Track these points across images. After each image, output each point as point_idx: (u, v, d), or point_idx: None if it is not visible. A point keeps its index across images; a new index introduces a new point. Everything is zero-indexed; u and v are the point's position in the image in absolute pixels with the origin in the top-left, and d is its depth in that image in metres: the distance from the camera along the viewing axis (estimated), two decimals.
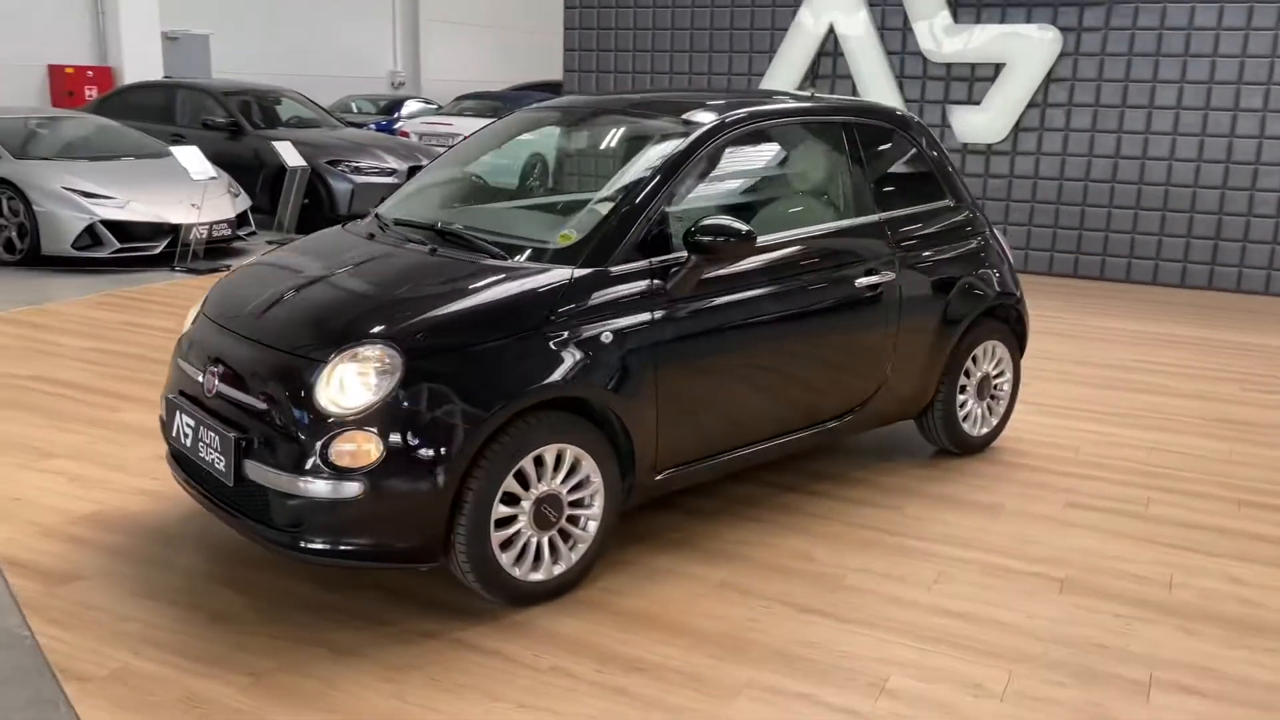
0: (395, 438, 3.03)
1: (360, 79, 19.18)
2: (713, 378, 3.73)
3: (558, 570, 3.40)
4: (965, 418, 4.82)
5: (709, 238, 3.53)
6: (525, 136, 4.58)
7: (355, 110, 17.52)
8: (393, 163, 11.53)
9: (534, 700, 2.86)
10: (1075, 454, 5.00)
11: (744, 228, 3.57)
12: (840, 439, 4.71)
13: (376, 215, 4.19)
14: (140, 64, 14.87)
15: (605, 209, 3.64)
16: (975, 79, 10.11)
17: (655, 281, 3.54)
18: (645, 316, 3.49)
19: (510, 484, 3.21)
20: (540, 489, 3.28)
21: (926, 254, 4.51)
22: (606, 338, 3.38)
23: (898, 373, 4.42)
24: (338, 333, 3.20)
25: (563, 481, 3.35)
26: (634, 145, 4.06)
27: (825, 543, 3.92)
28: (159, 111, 12.19)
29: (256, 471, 3.12)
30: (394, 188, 8.46)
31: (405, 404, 3.05)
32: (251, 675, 2.93)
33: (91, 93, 14.20)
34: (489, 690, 2.90)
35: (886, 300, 4.29)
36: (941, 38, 10.10)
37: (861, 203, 4.36)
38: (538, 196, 4.83)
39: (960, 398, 4.76)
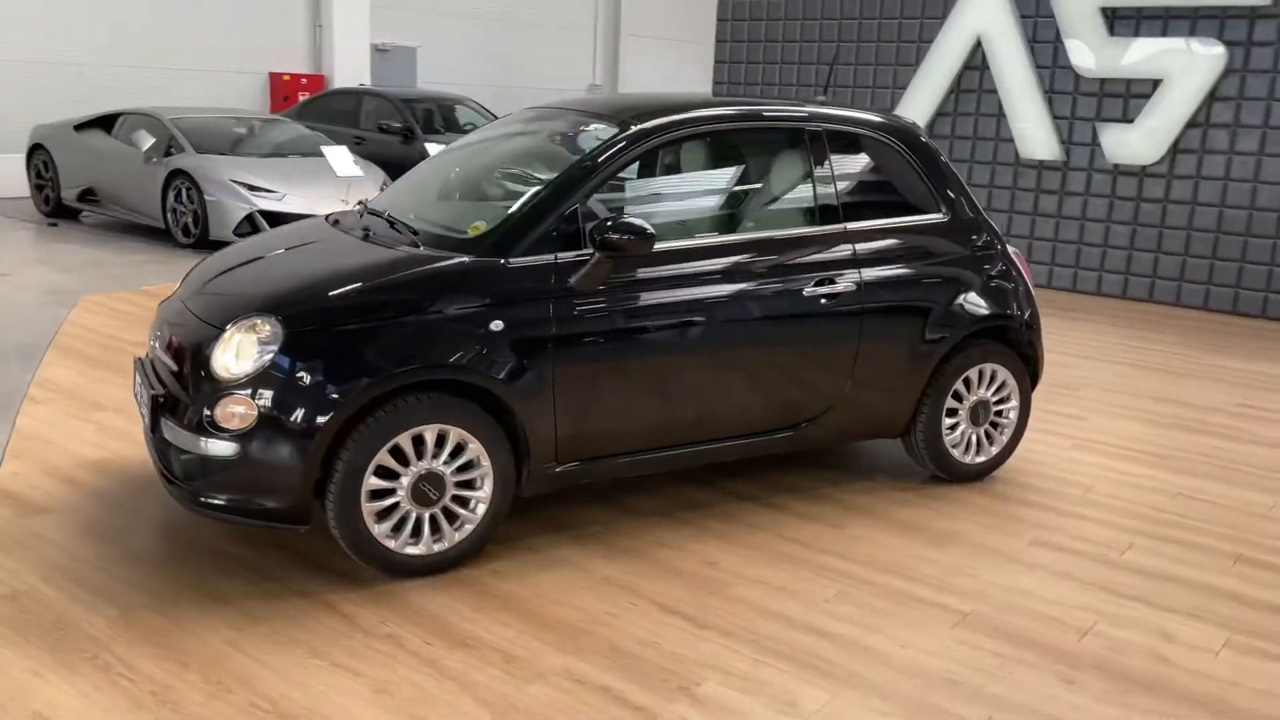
0: (267, 404, 3.28)
1: (559, 90, 20.00)
2: (622, 377, 3.77)
3: (438, 547, 3.55)
4: (956, 444, 4.59)
5: (611, 235, 3.58)
6: (513, 134, 4.74)
7: None
8: None
9: (349, 661, 3.03)
10: (1082, 492, 4.66)
11: (646, 227, 3.60)
12: (802, 450, 4.59)
13: (361, 203, 4.48)
14: (349, 73, 16.13)
15: (516, 203, 3.76)
16: (1130, 95, 9.45)
17: (559, 276, 3.63)
18: (543, 309, 3.58)
19: (385, 458, 3.39)
20: (420, 467, 3.44)
21: (900, 268, 4.35)
22: (496, 326, 3.50)
23: (862, 388, 4.29)
24: (239, 306, 3.49)
25: (446, 462, 3.49)
26: (574, 146, 4.16)
27: (740, 552, 3.88)
28: (347, 116, 13.24)
29: (166, 428, 3.45)
30: None
31: (280, 374, 3.29)
32: (121, 609, 3.25)
33: (303, 98, 15.53)
34: (315, 648, 3.09)
35: (844, 312, 4.18)
36: (1095, 52, 9.50)
37: (823, 212, 4.26)
38: (505, 191, 4.98)
39: (948, 421, 4.54)
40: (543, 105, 4.70)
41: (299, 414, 3.27)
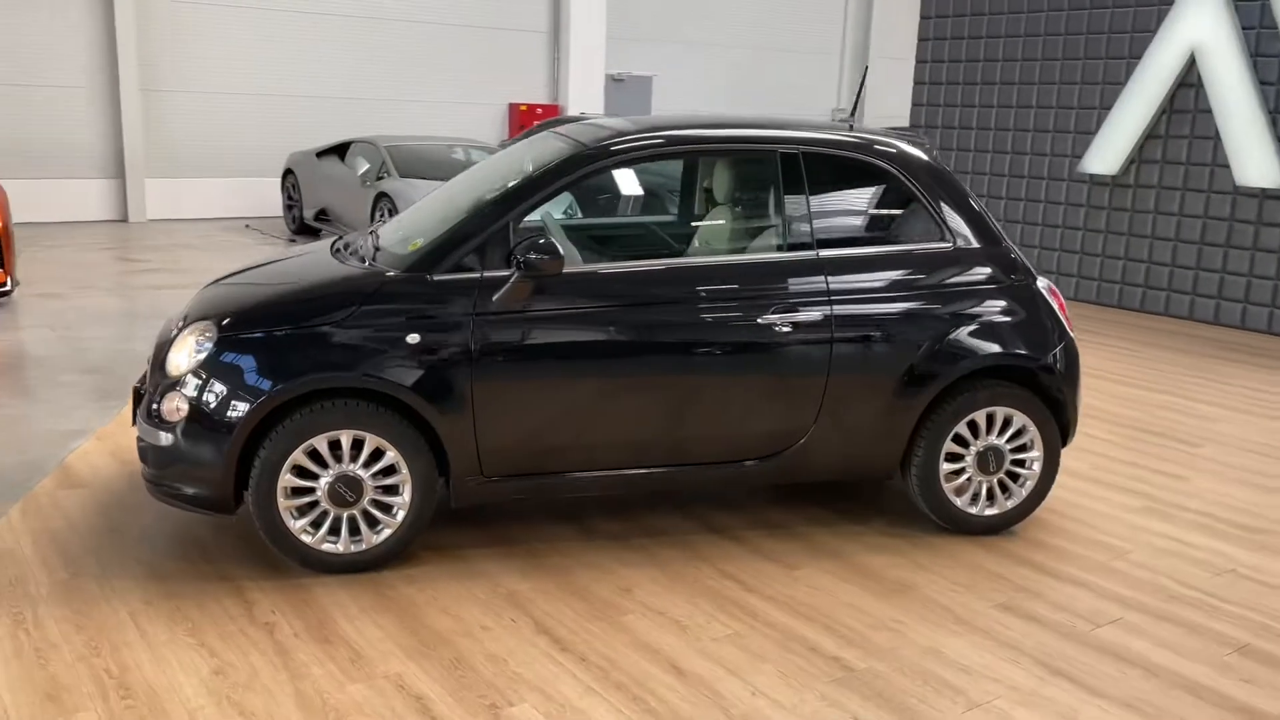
0: (194, 400, 3.60)
1: (800, 115, 19.94)
2: (547, 397, 3.78)
3: (355, 548, 3.73)
4: (959, 491, 4.23)
5: (525, 254, 3.64)
6: (513, 156, 4.79)
7: None
8: None
9: (215, 642, 3.26)
10: (1109, 557, 4.15)
11: (557, 248, 3.62)
12: (767, 483, 4.38)
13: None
14: (583, 103, 16.89)
15: (452, 221, 3.88)
16: None
17: (483, 294, 3.72)
18: (463, 326, 3.69)
19: (301, 459, 3.62)
20: (337, 469, 3.65)
21: (882, 299, 4.08)
22: (412, 339, 3.65)
23: (836, 423, 4.06)
24: (200, 310, 3.84)
25: (365, 467, 3.68)
26: (537, 164, 4.20)
27: (663, 582, 3.79)
28: None
29: (138, 418, 3.87)
30: None
31: (207, 374, 3.61)
32: (72, 574, 3.67)
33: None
34: (197, 626, 3.35)
35: (809, 343, 3.98)
36: None
37: (792, 238, 4.08)
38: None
39: (948, 466, 4.19)
40: (547, 123, 4.80)
41: (220, 410, 3.57)
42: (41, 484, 4.50)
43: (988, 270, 4.24)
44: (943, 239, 4.23)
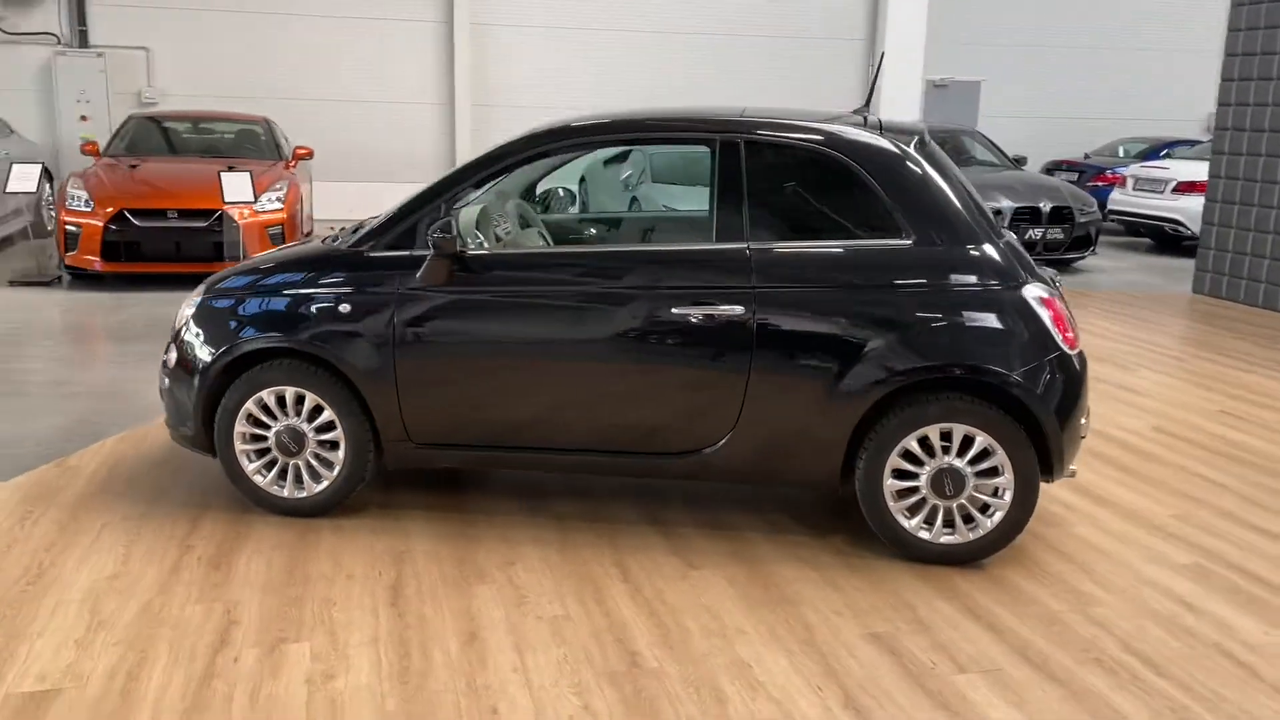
0: (178, 352, 4.21)
1: (1147, 121, 17.88)
2: (464, 372, 3.97)
3: (299, 494, 4.17)
4: (907, 512, 3.86)
5: (429, 234, 3.87)
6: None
7: (1121, 154, 16.53)
8: (1003, 203, 11.23)
9: (127, 547, 3.82)
10: (1070, 607, 3.59)
11: (452, 229, 3.81)
12: (690, 479, 4.19)
13: None
14: (896, 110, 16.42)
15: (400, 203, 4.17)
16: None
17: (409, 271, 3.99)
18: (389, 299, 3.98)
19: (253, 409, 4.11)
20: (284, 421, 4.10)
21: (815, 295, 3.81)
22: (344, 308, 4.01)
23: (761, 425, 3.87)
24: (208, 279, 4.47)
25: (308, 421, 4.10)
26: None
27: (549, 562, 3.84)
28: None
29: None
30: None
31: (188, 330, 4.20)
32: (54, 508, 4.44)
33: None
34: (128, 536, 3.94)
35: (730, 339, 3.83)
36: None
37: (722, 229, 3.92)
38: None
39: (895, 484, 3.84)
40: None
41: (192, 362, 4.15)
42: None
43: (951, 271, 3.82)
44: (900, 236, 3.87)
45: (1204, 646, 3.36)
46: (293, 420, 4.11)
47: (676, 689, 3.03)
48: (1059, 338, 3.81)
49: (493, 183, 4.14)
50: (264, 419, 4.12)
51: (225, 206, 8.87)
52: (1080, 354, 3.92)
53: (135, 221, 8.93)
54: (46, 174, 10.60)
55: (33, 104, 13.94)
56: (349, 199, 14.35)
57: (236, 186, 8.85)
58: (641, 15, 15.67)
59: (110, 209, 8.90)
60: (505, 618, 3.43)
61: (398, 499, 4.40)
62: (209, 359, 4.10)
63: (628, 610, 3.50)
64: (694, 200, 7.55)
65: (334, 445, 4.12)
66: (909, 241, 3.85)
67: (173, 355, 4.25)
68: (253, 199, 8.83)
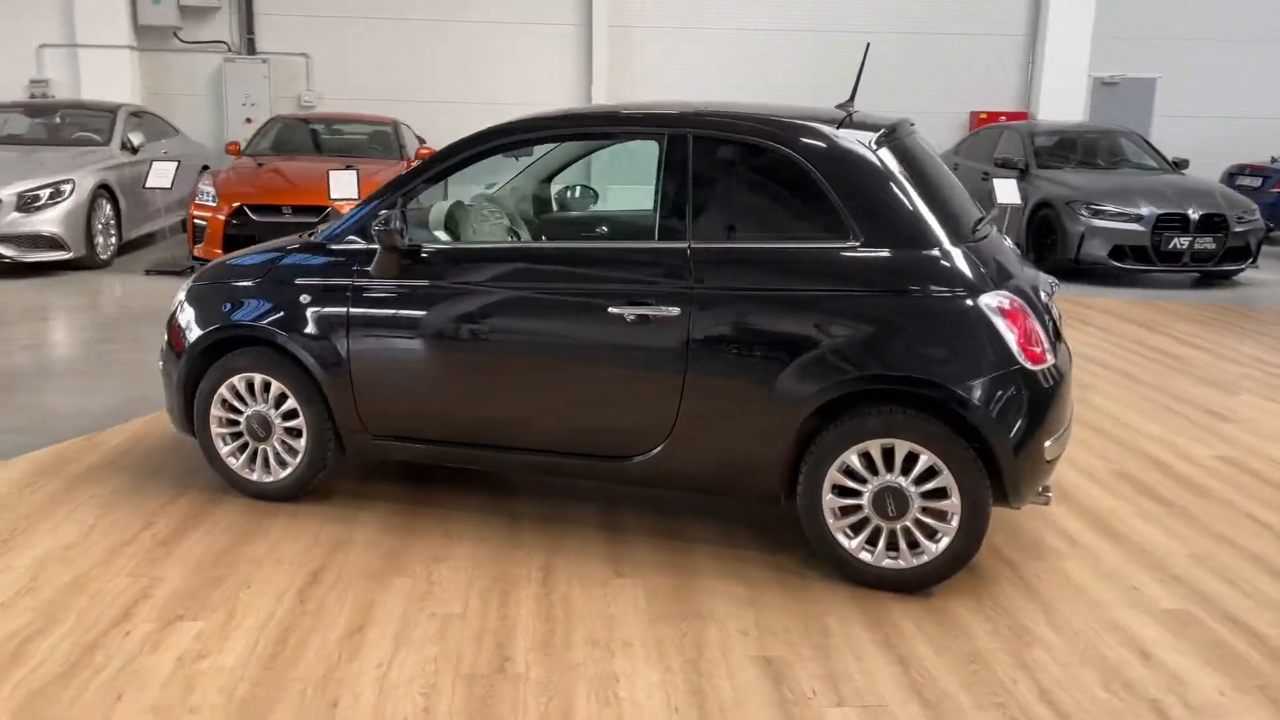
0: (167, 335, 4.43)
1: None
2: (413, 366, 3.99)
3: (267, 479, 4.30)
4: (847, 530, 3.62)
5: (375, 228, 3.91)
6: None
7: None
8: (1144, 209, 10.40)
9: (101, 519, 4.04)
10: (1000, 645, 3.26)
11: (389, 222, 3.84)
12: (632, 484, 3.98)
13: None
14: (1056, 108, 15.48)
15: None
16: None
17: (364, 264, 4.04)
18: (344, 292, 4.05)
19: (225, 394, 4.26)
20: (253, 408, 4.25)
21: (756, 300, 3.62)
22: (304, 299, 4.11)
23: (698, 431, 3.71)
24: None
25: (275, 407, 4.22)
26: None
27: (475, 560, 3.81)
28: (986, 151, 13.02)
29: None
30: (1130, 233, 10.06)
31: (176, 316, 4.40)
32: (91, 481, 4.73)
33: None
34: (101, 507, 4.16)
35: (665, 340, 3.69)
36: None
37: (665, 227, 3.76)
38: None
39: (837, 501, 3.60)
40: None
41: (176, 345, 4.34)
42: None
43: (898, 276, 3.54)
44: (846, 237, 3.62)
45: (1137, 702, 2.98)
46: (260, 406, 4.24)
47: (528, 697, 2.94)
48: (1018, 351, 3.48)
49: (445, 179, 4.13)
50: (236, 404, 4.27)
51: (331, 203, 9.28)
52: (1050, 369, 3.56)
53: (253, 216, 9.44)
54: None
55: (204, 107, 15.02)
56: None
57: (342, 183, 9.25)
58: (790, 12, 15.39)
59: (232, 204, 9.47)
60: (402, 613, 3.42)
61: (370, 489, 4.47)
62: (190, 343, 4.29)
63: (526, 613, 3.43)
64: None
65: (298, 433, 4.23)
66: (856, 243, 3.61)
67: (164, 338, 4.47)
68: (357, 196, 9.20)
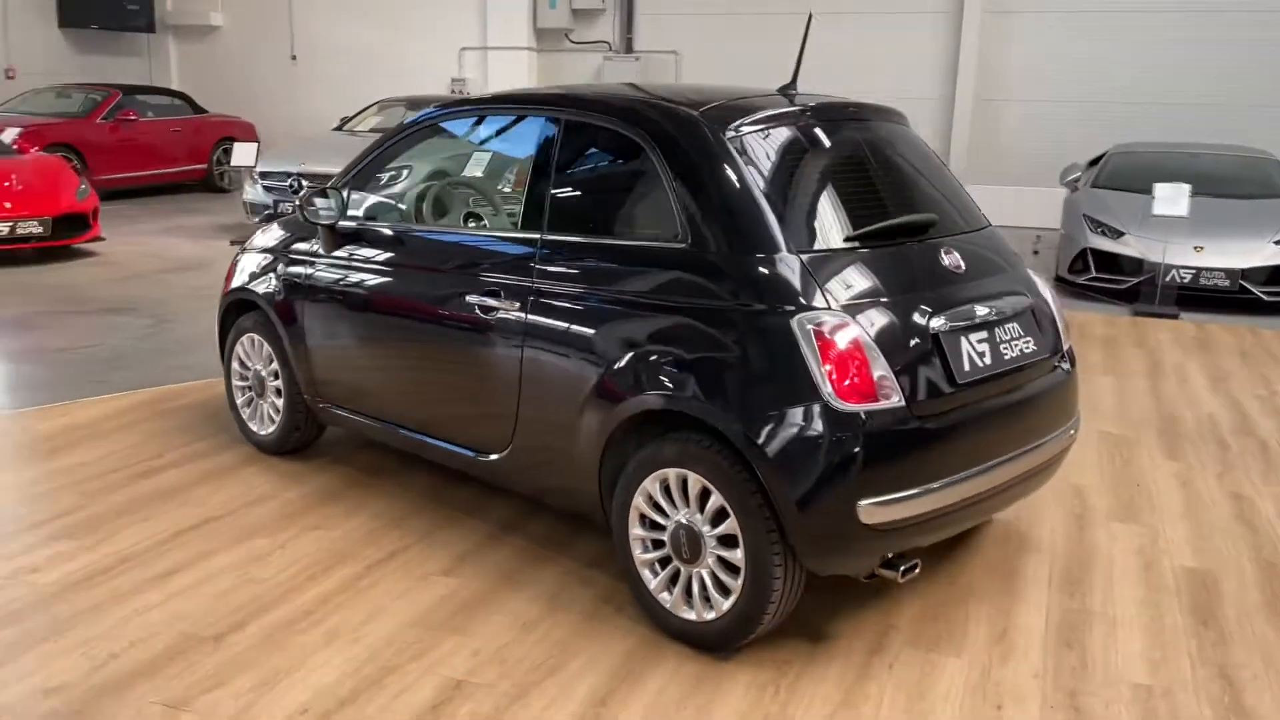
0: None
1: None
2: (335, 339, 4.17)
3: (263, 431, 4.70)
4: (651, 565, 3.20)
5: (299, 205, 4.13)
6: None
7: None
8: None
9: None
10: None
11: (306, 201, 4.01)
12: (500, 485, 3.81)
13: None
14: None
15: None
16: None
17: (321, 239, 4.27)
18: (306, 264, 4.31)
19: (240, 352, 4.71)
20: (251, 367, 4.66)
21: (575, 299, 3.30)
22: (279, 268, 4.43)
23: (533, 439, 3.49)
24: None
25: (265, 366, 4.61)
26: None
27: (319, 567, 3.76)
28: None
29: None
30: None
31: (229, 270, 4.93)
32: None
33: None
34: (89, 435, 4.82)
35: (507, 338, 3.50)
36: None
37: (528, 216, 3.52)
38: None
39: (640, 533, 3.21)
40: None
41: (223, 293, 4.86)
42: None
43: (712, 284, 3.04)
44: (675, 237, 3.17)
45: None
46: (255, 366, 4.64)
47: (216, 675, 2.99)
48: (825, 385, 2.84)
49: (379, 165, 4.23)
50: (246, 361, 4.71)
51: None
52: (878, 411, 2.87)
53: None
54: None
55: None
56: None
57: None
58: None
59: None
60: (232, 564, 3.61)
61: (382, 463, 4.69)
62: (220, 302, 4.80)
63: (322, 588, 3.45)
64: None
65: (279, 392, 4.57)
66: (681, 244, 3.15)
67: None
68: None
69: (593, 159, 3.52)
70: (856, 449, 2.84)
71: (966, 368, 3.10)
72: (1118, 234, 8.95)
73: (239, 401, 4.80)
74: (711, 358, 2.98)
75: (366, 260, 4.07)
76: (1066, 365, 3.60)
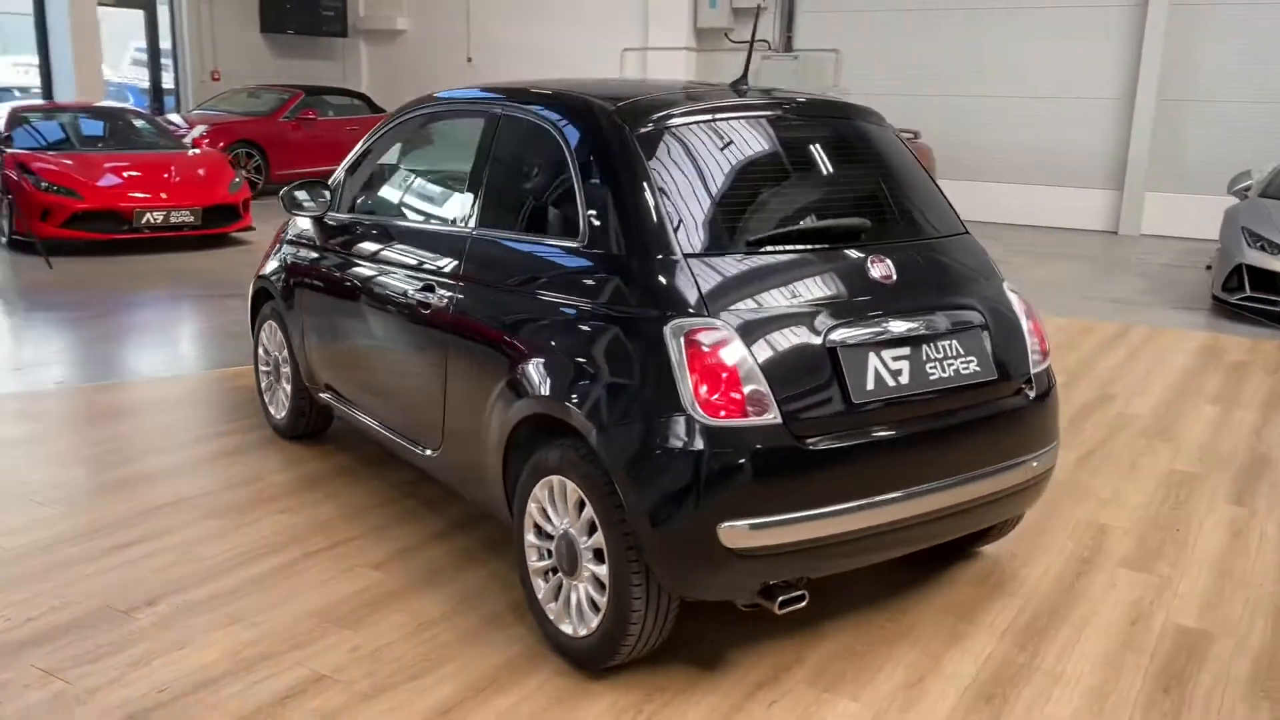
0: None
1: None
2: (324, 327, 4.28)
3: (277, 415, 4.87)
4: (542, 574, 3.11)
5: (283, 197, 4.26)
6: None
7: None
8: None
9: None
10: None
11: (292, 198, 4.11)
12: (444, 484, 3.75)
13: None
14: None
15: None
16: None
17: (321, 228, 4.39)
18: (308, 252, 4.42)
19: (262, 335, 4.92)
20: (270, 354, 4.86)
21: (485, 301, 3.26)
22: (286, 259, 4.58)
23: (456, 437, 3.46)
24: None
25: (280, 352, 4.77)
26: None
27: (259, 552, 3.74)
28: None
29: None
30: None
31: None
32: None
33: None
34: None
35: (436, 333, 3.48)
36: None
37: (462, 209, 3.50)
38: None
39: (533, 540, 3.12)
40: None
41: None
42: None
43: (601, 286, 2.91)
44: (577, 235, 3.05)
45: None
46: (274, 352, 4.82)
47: (102, 657, 3.12)
48: (690, 396, 2.66)
49: (364, 160, 4.28)
50: (266, 347, 4.89)
51: None
52: (747, 429, 2.66)
53: None
54: None
55: None
56: (998, 199, 13.71)
57: None
58: None
59: None
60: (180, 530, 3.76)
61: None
62: (249, 289, 5.01)
63: (252, 571, 3.54)
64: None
65: (289, 378, 4.73)
66: (582, 244, 3.03)
67: None
68: None
69: (520, 153, 3.45)
70: (718, 467, 2.64)
71: (870, 387, 2.84)
72: (1278, 249, 8.04)
73: (262, 386, 5.00)
74: (591, 362, 2.86)
75: (340, 252, 4.16)
76: (1033, 391, 3.24)
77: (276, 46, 18.24)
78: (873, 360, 2.86)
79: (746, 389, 2.68)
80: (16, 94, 17.22)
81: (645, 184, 2.95)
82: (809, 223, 3.03)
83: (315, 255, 4.33)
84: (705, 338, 2.71)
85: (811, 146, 3.27)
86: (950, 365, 3.00)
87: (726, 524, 2.65)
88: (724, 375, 2.68)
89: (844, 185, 3.27)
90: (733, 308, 2.78)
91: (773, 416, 2.69)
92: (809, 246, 2.98)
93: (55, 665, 2.96)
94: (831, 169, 3.26)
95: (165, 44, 16.92)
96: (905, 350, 2.93)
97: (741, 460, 2.66)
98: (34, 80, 15.34)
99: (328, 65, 18.80)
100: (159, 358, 6.34)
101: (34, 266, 8.78)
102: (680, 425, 2.66)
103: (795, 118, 3.33)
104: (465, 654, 3.06)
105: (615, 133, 3.06)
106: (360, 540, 3.81)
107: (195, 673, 2.94)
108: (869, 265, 3.01)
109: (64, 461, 4.53)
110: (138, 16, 16.63)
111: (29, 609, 3.26)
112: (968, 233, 3.44)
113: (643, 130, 3.05)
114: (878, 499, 2.81)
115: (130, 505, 4.08)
